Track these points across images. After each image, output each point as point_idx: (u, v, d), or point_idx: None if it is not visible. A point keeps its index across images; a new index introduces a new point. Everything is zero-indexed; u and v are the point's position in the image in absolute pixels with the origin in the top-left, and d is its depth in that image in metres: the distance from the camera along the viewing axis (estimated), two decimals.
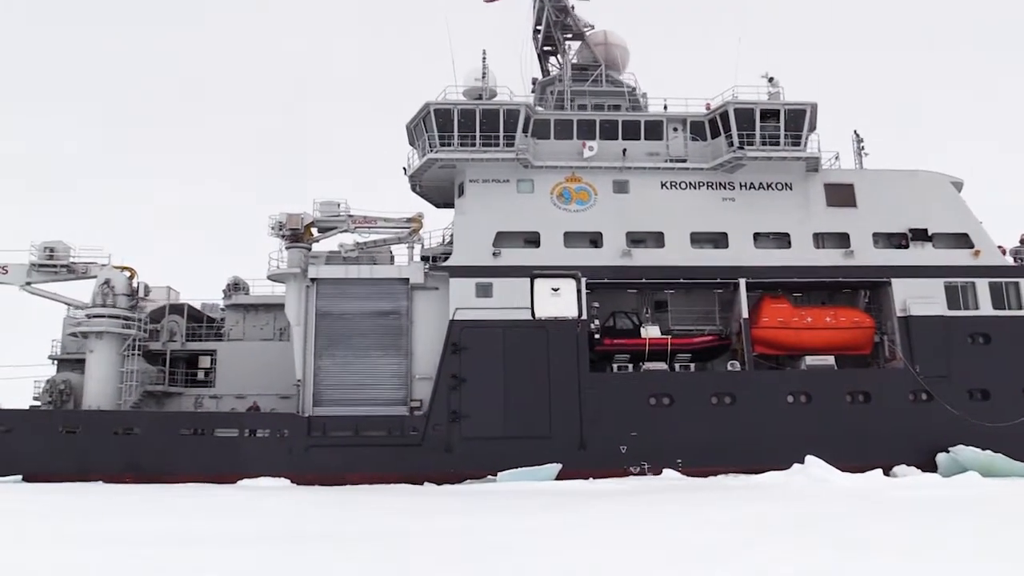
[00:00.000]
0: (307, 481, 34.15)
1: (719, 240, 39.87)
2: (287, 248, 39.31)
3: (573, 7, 45.61)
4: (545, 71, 47.09)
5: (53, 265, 40.61)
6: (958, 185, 41.91)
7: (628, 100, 43.78)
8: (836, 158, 42.26)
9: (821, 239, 40.32)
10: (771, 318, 38.76)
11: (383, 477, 34.63)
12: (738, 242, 39.58)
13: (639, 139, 41.21)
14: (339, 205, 40.34)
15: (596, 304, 39.18)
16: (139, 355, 39.46)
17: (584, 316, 37.86)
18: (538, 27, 45.88)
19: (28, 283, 40.63)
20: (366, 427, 35.96)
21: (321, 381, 37.52)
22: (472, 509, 21.62)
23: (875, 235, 40.18)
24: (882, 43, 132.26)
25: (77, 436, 36.09)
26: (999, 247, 40.99)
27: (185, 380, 41.50)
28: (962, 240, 40.55)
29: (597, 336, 38.18)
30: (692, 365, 38.82)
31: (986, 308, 39.21)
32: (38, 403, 39.65)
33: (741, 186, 40.44)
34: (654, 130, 41.57)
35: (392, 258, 40.98)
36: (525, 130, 39.88)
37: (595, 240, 39.50)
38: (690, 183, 40.41)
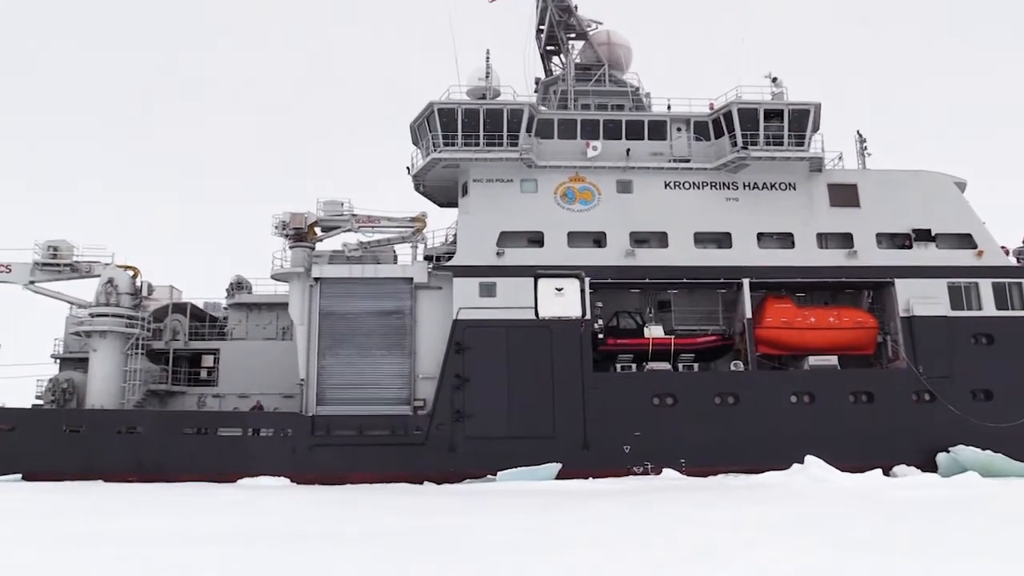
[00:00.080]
0: (308, 480, 34.18)
1: (723, 240, 39.85)
2: (291, 247, 39.41)
3: (576, 7, 45.58)
4: (548, 71, 47.10)
5: (57, 264, 40.70)
6: (961, 185, 41.85)
7: (631, 100, 43.78)
8: (839, 158, 42.28)
9: (824, 239, 40.30)
10: (774, 318, 38.75)
11: (386, 476, 34.65)
12: (742, 242, 39.56)
13: (643, 139, 41.22)
14: (343, 204, 40.46)
15: (600, 304, 39.19)
16: (142, 354, 39.57)
17: (588, 316, 37.85)
18: (541, 27, 45.88)
19: (31, 282, 40.72)
20: (370, 427, 36.01)
21: (324, 380, 37.55)
22: (472, 509, 21.59)
23: (878, 235, 40.16)
24: (882, 43, 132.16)
25: (80, 435, 36.19)
26: (1002, 247, 40.96)
27: (188, 379, 41.54)
28: (965, 240, 40.51)
29: (601, 336, 38.22)
30: (695, 365, 38.84)
31: (989, 309, 39.18)
32: (41, 402, 39.79)
33: (745, 186, 40.42)
34: (658, 130, 41.59)
35: (396, 258, 41.01)
36: (529, 130, 39.89)
37: (599, 240, 39.49)
38: (694, 183, 40.40)
